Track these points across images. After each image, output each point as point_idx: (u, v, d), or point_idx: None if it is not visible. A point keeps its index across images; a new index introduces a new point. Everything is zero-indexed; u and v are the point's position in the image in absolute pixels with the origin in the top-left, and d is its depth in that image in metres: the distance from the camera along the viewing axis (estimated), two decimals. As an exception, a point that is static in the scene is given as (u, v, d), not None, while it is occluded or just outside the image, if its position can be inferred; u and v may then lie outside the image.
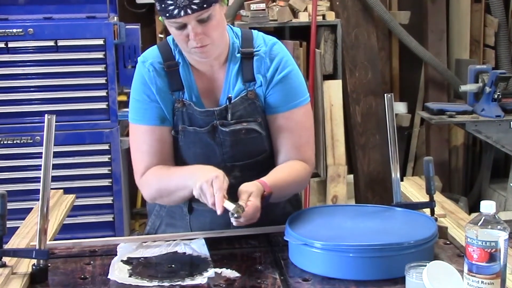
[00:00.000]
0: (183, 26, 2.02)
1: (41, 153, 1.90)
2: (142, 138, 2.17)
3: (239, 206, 1.92)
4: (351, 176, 4.84)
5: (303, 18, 4.55)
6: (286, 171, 2.16)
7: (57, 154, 2.54)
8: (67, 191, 2.83)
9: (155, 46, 2.22)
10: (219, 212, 1.91)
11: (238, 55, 2.17)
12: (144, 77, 2.16)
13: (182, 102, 2.15)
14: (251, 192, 1.98)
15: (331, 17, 4.61)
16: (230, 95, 2.14)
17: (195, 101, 2.16)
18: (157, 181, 2.15)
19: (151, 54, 2.19)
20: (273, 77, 2.16)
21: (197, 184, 1.96)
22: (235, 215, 1.91)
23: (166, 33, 2.23)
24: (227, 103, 2.14)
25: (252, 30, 2.25)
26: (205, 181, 1.95)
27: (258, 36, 2.22)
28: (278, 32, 4.58)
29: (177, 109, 2.15)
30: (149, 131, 2.16)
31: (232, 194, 2.05)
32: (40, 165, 1.89)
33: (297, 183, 2.21)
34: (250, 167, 2.20)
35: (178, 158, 2.20)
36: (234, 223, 1.95)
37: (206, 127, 2.14)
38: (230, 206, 1.92)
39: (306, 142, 2.23)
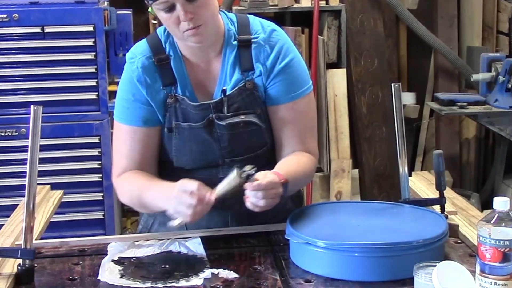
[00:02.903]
0: (171, 8, 2.01)
1: (26, 146, 1.90)
2: (123, 138, 2.19)
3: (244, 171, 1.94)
4: (356, 170, 4.85)
5: (305, 3, 4.55)
6: (295, 163, 2.15)
7: (43, 148, 2.52)
8: (54, 186, 2.82)
9: (144, 40, 2.22)
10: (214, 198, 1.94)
11: (235, 42, 2.16)
12: (132, 76, 2.16)
13: (174, 97, 2.14)
14: (266, 173, 1.98)
15: (335, 2, 4.60)
16: (224, 88, 2.14)
17: (189, 95, 2.16)
18: (130, 192, 2.17)
19: (140, 49, 2.19)
20: (274, 66, 2.16)
21: (171, 207, 1.97)
22: (247, 176, 1.92)
23: (159, 19, 2.22)
24: (222, 96, 2.14)
25: (248, 15, 2.24)
26: (179, 201, 1.94)
27: (255, 22, 2.21)
28: (279, 18, 4.58)
29: (170, 105, 2.15)
30: (130, 132, 2.17)
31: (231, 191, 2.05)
32: (26, 159, 1.89)
33: (306, 176, 2.22)
34: (250, 162, 2.18)
35: (174, 157, 2.19)
36: (250, 203, 1.95)
37: (201, 122, 2.14)
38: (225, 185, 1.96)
39: (310, 133, 2.23)
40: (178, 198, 1.94)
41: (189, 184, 1.94)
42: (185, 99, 2.14)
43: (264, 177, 1.96)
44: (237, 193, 1.97)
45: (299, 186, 2.26)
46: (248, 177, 1.93)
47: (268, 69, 2.15)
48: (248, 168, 1.95)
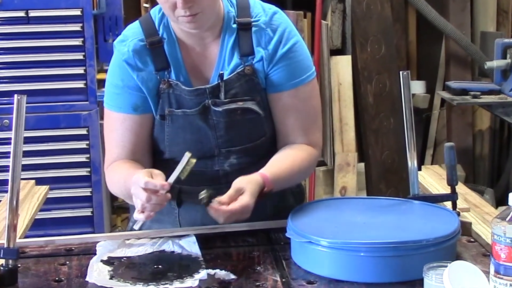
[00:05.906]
0: None
1: (10, 138, 1.89)
2: (114, 126, 2.21)
3: (207, 192, 1.95)
4: (362, 164, 4.85)
5: (308, -15, 4.55)
6: (290, 160, 2.16)
7: (28, 140, 2.53)
8: (39, 181, 2.83)
9: (137, 21, 2.22)
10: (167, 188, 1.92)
11: (234, 25, 2.17)
12: (121, 60, 2.17)
13: (168, 83, 2.15)
14: (242, 190, 1.99)
15: (339, -16, 4.60)
16: (221, 72, 2.14)
17: (183, 80, 2.16)
18: (118, 184, 2.18)
19: (131, 32, 2.20)
20: (276, 51, 2.16)
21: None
22: (204, 200, 1.94)
23: (152, 2, 2.22)
24: (219, 81, 2.13)
25: None
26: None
27: (256, 4, 2.22)
28: (279, 0, 4.56)
29: (163, 91, 2.15)
30: (120, 119, 2.19)
31: (228, 184, 2.05)
32: (9, 152, 1.88)
33: (301, 173, 2.23)
34: (248, 153, 2.20)
35: (166, 147, 2.20)
36: (213, 214, 1.97)
37: (196, 108, 2.14)
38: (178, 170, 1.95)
39: (314, 122, 2.24)
40: (135, 194, 1.96)
41: (139, 179, 1.94)
42: (179, 84, 2.14)
43: (238, 194, 1.98)
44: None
45: (290, 185, 2.27)
46: (209, 203, 1.96)
47: (270, 54, 2.16)
48: (204, 194, 1.96)
